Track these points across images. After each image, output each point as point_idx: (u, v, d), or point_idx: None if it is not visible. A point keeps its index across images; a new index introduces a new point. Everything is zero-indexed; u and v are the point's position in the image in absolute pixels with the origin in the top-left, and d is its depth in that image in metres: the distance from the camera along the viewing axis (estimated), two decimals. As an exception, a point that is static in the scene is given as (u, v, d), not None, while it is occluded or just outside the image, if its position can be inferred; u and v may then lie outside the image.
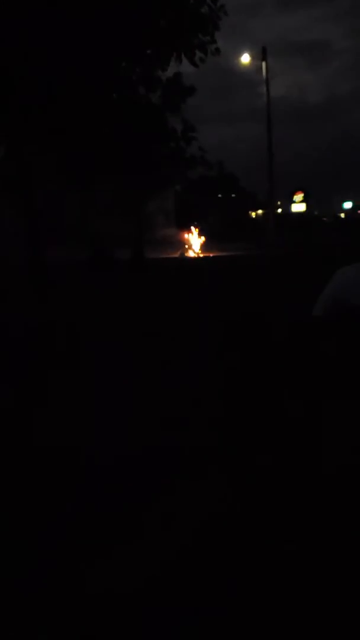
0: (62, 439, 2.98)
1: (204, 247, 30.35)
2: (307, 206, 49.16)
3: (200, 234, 31.38)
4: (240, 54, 28.06)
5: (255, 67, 28.07)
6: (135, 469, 2.53)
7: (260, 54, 27.59)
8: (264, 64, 27.38)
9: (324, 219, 55.14)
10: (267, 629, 1.46)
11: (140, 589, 1.61)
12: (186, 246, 30.65)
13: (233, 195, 49.30)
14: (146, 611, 1.51)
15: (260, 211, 49.62)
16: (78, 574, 1.72)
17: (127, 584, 1.65)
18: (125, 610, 1.52)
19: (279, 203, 44.19)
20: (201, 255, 28.30)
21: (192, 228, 31.49)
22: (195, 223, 31.98)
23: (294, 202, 48.48)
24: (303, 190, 48.40)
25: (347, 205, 56.29)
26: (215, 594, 1.57)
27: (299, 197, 48.32)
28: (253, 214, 51.91)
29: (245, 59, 27.77)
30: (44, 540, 1.95)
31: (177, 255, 27.66)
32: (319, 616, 1.50)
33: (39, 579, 1.72)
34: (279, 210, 44.59)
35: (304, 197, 48.02)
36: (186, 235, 31.58)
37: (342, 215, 56.42)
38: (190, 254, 29.48)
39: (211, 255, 27.16)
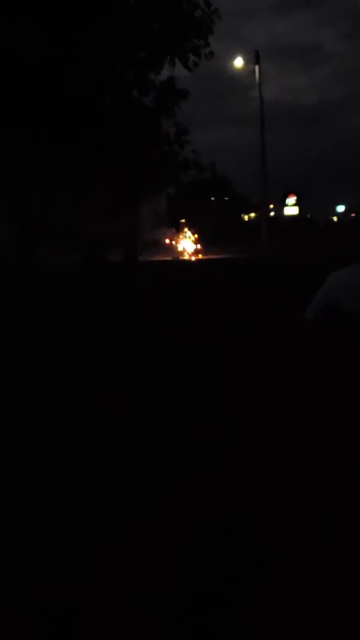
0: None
1: (196, 249, 30.41)
2: (300, 209, 49.50)
3: (193, 237, 31.45)
4: (233, 58, 28.27)
5: (248, 70, 28.30)
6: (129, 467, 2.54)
7: (254, 58, 27.82)
8: (256, 67, 27.59)
9: (317, 222, 55.43)
10: (268, 627, 1.48)
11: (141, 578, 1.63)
12: (179, 249, 30.69)
13: (226, 198, 49.42)
14: (146, 610, 1.53)
15: (253, 214, 49.78)
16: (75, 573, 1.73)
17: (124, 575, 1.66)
18: (125, 607, 1.54)
19: (271, 206, 44.35)
20: (194, 258, 28.36)
21: (185, 231, 31.57)
22: (188, 226, 32.05)
23: (287, 205, 48.80)
24: (296, 194, 48.73)
25: (340, 208, 56.60)
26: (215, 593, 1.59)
27: (291, 200, 48.64)
28: (246, 217, 52.07)
29: (239, 62, 27.97)
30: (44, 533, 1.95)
31: (170, 257, 27.69)
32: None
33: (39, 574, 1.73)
34: (272, 214, 44.75)
35: (297, 200, 48.36)
36: (179, 238, 31.63)
37: (335, 218, 56.71)
38: (184, 256, 29.53)
39: (204, 257, 27.20)
